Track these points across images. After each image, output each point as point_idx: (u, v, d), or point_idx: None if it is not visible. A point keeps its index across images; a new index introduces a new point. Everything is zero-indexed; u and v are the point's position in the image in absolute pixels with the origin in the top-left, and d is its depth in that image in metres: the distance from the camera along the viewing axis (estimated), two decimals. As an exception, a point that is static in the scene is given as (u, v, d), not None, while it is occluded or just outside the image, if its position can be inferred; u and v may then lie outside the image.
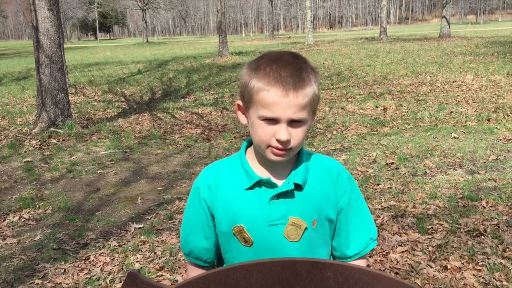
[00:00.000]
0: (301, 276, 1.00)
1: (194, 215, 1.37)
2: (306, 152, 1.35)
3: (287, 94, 1.15)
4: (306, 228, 1.27)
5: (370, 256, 3.39)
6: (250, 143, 1.35)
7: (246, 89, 1.22)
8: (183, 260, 3.43)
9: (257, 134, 1.22)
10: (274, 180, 1.28)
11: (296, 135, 1.20)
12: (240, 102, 1.29)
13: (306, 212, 1.28)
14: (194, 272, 1.41)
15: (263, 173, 1.29)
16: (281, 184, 1.27)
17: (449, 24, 29.93)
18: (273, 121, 1.18)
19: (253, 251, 1.28)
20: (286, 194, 1.27)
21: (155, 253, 3.67)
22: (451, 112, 8.27)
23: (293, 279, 1.01)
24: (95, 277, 3.36)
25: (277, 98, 1.15)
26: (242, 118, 1.31)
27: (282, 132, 1.17)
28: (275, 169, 1.29)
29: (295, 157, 1.31)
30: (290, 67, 1.18)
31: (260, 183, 1.28)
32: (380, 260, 3.32)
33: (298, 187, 1.28)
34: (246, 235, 1.27)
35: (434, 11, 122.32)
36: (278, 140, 1.18)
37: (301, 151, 1.32)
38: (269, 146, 1.21)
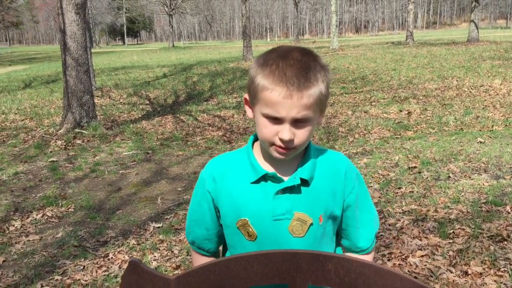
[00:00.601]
0: (302, 268, 0.99)
1: (197, 206, 1.38)
2: (314, 148, 1.33)
3: (290, 95, 1.13)
4: (311, 224, 1.26)
5: (388, 260, 3.34)
6: (257, 137, 1.34)
7: (252, 85, 1.21)
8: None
9: (261, 132, 1.21)
10: (280, 175, 1.27)
11: (300, 135, 1.18)
12: (247, 96, 1.28)
13: (312, 208, 1.26)
14: (199, 259, 1.43)
15: (269, 167, 1.28)
16: (287, 179, 1.26)
17: (477, 28, 29.36)
18: (276, 120, 1.17)
19: (256, 245, 1.27)
20: (292, 189, 1.25)
21: (172, 252, 3.69)
22: (478, 116, 8.10)
23: (293, 271, 0.99)
24: (112, 274, 3.39)
25: (280, 99, 1.13)
26: (249, 112, 1.30)
27: (285, 132, 1.16)
28: (282, 164, 1.28)
29: (302, 152, 1.29)
30: (297, 65, 1.15)
31: (266, 177, 1.27)
32: (399, 264, 3.26)
33: (305, 182, 1.26)
34: (250, 229, 1.27)
35: (463, 16, 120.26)
36: (281, 140, 1.17)
37: (309, 146, 1.31)
38: (273, 144, 1.20)
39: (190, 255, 3.61)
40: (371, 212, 1.38)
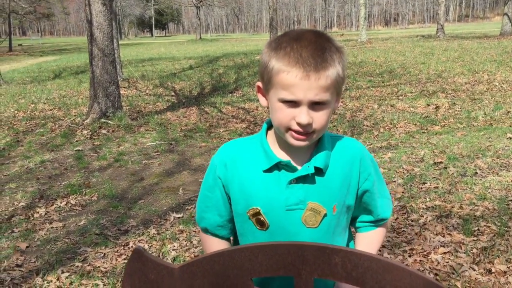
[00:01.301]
0: (307, 261, 0.96)
1: (209, 192, 1.35)
2: (328, 135, 1.29)
3: (308, 76, 1.09)
4: (325, 215, 1.22)
5: (409, 256, 3.27)
6: (270, 124, 1.30)
7: (266, 70, 1.17)
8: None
9: (277, 117, 1.17)
10: (294, 163, 1.22)
11: (318, 119, 1.14)
12: (260, 84, 1.25)
13: (326, 197, 1.22)
14: (213, 243, 1.40)
15: (283, 155, 1.24)
16: (301, 168, 1.22)
17: (511, 22, 28.51)
18: (293, 103, 1.13)
19: (268, 235, 1.24)
20: (306, 179, 1.22)
21: (191, 242, 3.70)
22: (508, 111, 7.87)
23: (299, 263, 0.96)
24: (132, 262, 3.42)
25: (297, 80, 1.10)
26: (263, 100, 1.26)
27: (303, 115, 1.12)
28: (296, 153, 1.24)
29: (317, 140, 1.25)
30: (312, 46, 1.11)
31: (279, 166, 1.23)
32: (420, 260, 3.19)
33: (319, 171, 1.22)
34: (262, 218, 1.23)
35: (497, 9, 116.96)
36: (298, 124, 1.13)
37: (324, 135, 1.26)
38: (289, 129, 1.16)
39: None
40: (386, 196, 1.38)
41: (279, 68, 1.13)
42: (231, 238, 1.43)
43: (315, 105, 1.13)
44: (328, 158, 1.24)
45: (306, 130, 1.15)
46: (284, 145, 1.25)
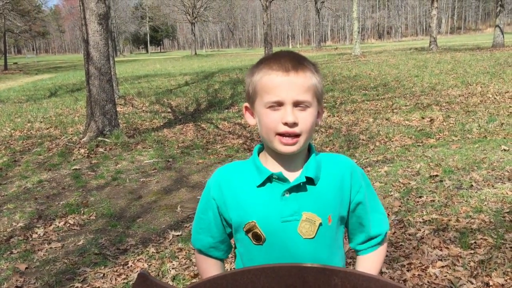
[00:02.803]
0: (308, 282, 0.99)
1: (203, 214, 1.39)
2: (318, 153, 1.35)
3: (288, 74, 1.19)
4: (320, 224, 1.25)
5: (408, 271, 3.29)
6: (262, 148, 1.36)
7: (250, 84, 1.27)
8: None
9: (264, 124, 1.23)
10: (285, 175, 1.27)
11: (303, 119, 1.21)
12: (246, 104, 1.31)
13: (320, 207, 1.26)
14: (206, 262, 1.43)
15: (274, 169, 1.29)
16: (294, 179, 1.27)
17: (503, 34, 28.86)
18: (278, 106, 1.20)
19: (265, 249, 1.26)
20: (298, 188, 1.26)
21: (190, 260, 3.71)
22: (502, 123, 7.94)
23: (300, 285, 1.00)
24: (131, 282, 3.43)
25: (279, 79, 1.19)
26: (250, 120, 1.33)
27: (288, 114, 1.19)
28: (287, 166, 1.29)
29: (306, 155, 1.31)
30: (289, 56, 1.23)
31: (271, 179, 1.27)
32: (419, 275, 3.21)
33: (311, 181, 1.27)
34: (259, 232, 1.26)
35: (488, 20, 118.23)
36: (285, 124, 1.19)
37: (312, 149, 1.33)
38: (277, 134, 1.21)
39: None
40: (380, 211, 1.39)
41: (261, 76, 1.23)
42: (224, 259, 1.46)
43: (298, 106, 1.20)
44: (319, 170, 1.29)
45: (293, 131, 1.20)
46: (276, 160, 1.29)
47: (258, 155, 1.35)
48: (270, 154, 1.30)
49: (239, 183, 1.31)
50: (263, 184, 1.27)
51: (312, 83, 1.22)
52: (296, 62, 1.21)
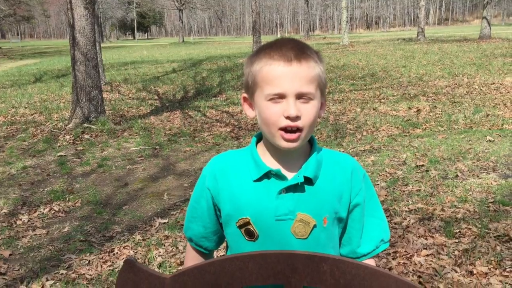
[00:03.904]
0: (297, 269, 0.98)
1: (196, 203, 1.36)
2: (320, 148, 1.29)
3: (290, 64, 1.12)
4: (315, 226, 1.21)
5: (393, 259, 3.32)
6: (260, 137, 1.31)
7: (250, 74, 1.20)
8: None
9: (265, 117, 1.17)
10: (284, 172, 1.22)
11: (306, 112, 1.14)
12: (245, 94, 1.26)
13: (315, 209, 1.21)
14: (192, 255, 1.41)
15: (273, 165, 1.24)
16: (292, 177, 1.22)
17: (490, 25, 29.04)
18: (280, 98, 1.14)
19: (257, 246, 1.23)
20: (295, 188, 1.21)
21: (177, 248, 3.70)
22: (488, 114, 8.02)
23: (289, 272, 0.99)
24: (117, 269, 3.41)
25: (280, 69, 1.13)
26: (249, 112, 1.26)
27: (291, 107, 1.12)
28: (287, 162, 1.24)
29: (307, 150, 1.26)
30: (291, 44, 1.17)
31: (269, 175, 1.22)
32: (404, 263, 3.25)
33: (309, 181, 1.22)
34: (252, 229, 1.22)
35: (476, 12, 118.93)
36: (288, 118, 1.13)
37: (314, 145, 1.27)
38: (279, 129, 1.15)
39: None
40: (377, 216, 1.32)
41: (261, 66, 1.16)
42: (214, 250, 1.43)
43: (301, 98, 1.14)
44: (318, 168, 1.24)
45: (295, 125, 1.14)
46: (275, 155, 1.25)
47: (256, 145, 1.30)
48: (269, 147, 1.25)
49: (235, 175, 1.27)
50: (260, 179, 1.23)
51: (315, 73, 1.15)
52: (298, 51, 1.14)
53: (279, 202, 1.21)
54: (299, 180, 1.21)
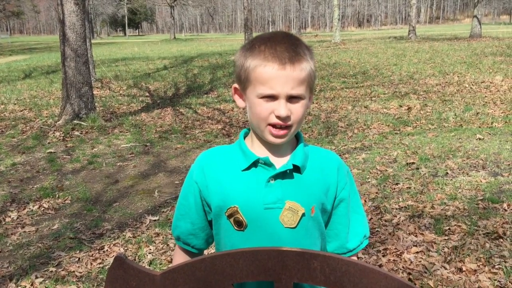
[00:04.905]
0: (287, 266, 0.98)
1: (184, 199, 1.36)
2: (305, 143, 1.32)
3: (284, 67, 1.14)
4: (303, 214, 1.23)
5: (383, 256, 3.34)
6: (248, 133, 1.34)
7: (242, 69, 1.21)
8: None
9: (256, 113, 1.20)
10: (272, 160, 1.25)
11: (295, 111, 1.18)
12: (236, 85, 1.27)
13: (304, 197, 1.24)
14: (180, 257, 1.39)
15: (261, 154, 1.26)
16: (280, 166, 1.24)
17: (480, 24, 29.26)
18: (271, 98, 1.17)
19: (246, 236, 1.24)
20: (284, 175, 1.23)
21: (168, 245, 3.69)
22: (478, 113, 8.08)
23: (279, 268, 0.99)
24: (107, 266, 3.39)
25: (274, 72, 1.15)
26: (240, 102, 1.29)
27: (282, 108, 1.16)
28: (275, 153, 1.27)
29: (294, 143, 1.29)
30: (284, 42, 1.18)
31: (257, 164, 1.25)
32: (394, 260, 3.26)
33: (297, 170, 1.25)
34: (240, 218, 1.23)
35: (466, 11, 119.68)
36: (278, 117, 1.17)
37: (300, 138, 1.30)
38: (268, 124, 1.19)
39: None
40: (359, 212, 1.36)
41: (255, 64, 1.17)
42: (203, 250, 1.42)
43: (292, 99, 1.18)
44: (306, 159, 1.27)
45: (285, 123, 1.18)
46: (263, 144, 1.27)
47: (244, 139, 1.32)
48: (257, 139, 1.28)
49: (223, 166, 1.28)
50: (248, 168, 1.25)
51: (307, 74, 1.18)
52: (293, 52, 1.16)
53: (268, 190, 1.23)
54: (288, 167, 1.23)
